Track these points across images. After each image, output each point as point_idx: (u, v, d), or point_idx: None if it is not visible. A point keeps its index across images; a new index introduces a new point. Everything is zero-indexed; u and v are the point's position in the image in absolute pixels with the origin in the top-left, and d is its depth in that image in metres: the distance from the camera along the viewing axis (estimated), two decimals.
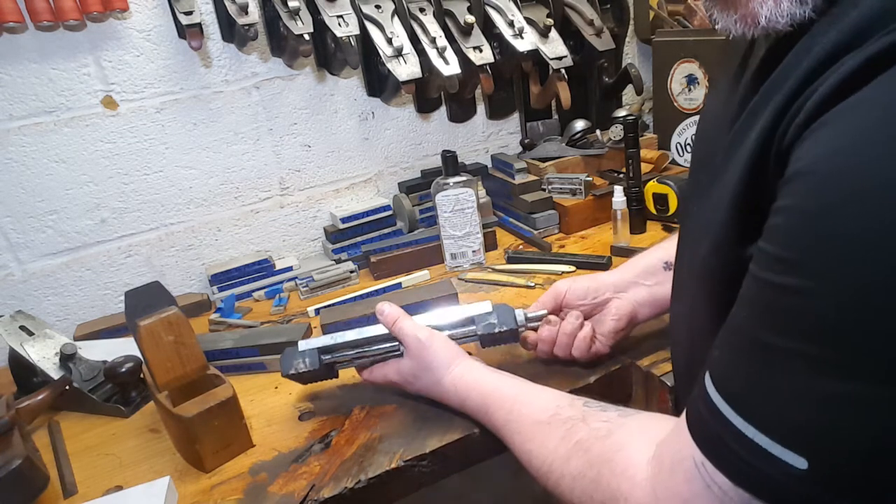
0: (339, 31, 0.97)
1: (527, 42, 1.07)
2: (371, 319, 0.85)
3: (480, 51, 1.05)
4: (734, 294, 0.36)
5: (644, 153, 1.16)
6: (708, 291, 0.43)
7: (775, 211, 0.34)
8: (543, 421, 0.52)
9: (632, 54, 1.42)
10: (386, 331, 0.69)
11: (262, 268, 1.10)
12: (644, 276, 0.71)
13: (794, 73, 0.34)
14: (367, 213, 1.14)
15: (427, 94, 1.18)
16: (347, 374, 0.78)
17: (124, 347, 0.81)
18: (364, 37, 1.03)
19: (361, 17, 1.01)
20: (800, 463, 0.31)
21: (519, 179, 1.15)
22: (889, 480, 0.30)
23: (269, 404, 0.76)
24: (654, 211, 1.08)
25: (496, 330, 0.69)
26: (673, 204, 1.05)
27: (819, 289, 0.30)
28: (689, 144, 1.26)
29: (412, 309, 0.90)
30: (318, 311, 0.97)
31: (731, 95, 0.46)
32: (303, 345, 0.70)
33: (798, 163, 0.32)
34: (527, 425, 0.53)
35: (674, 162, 1.27)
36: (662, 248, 0.73)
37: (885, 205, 0.27)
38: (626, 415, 0.48)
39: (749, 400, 0.34)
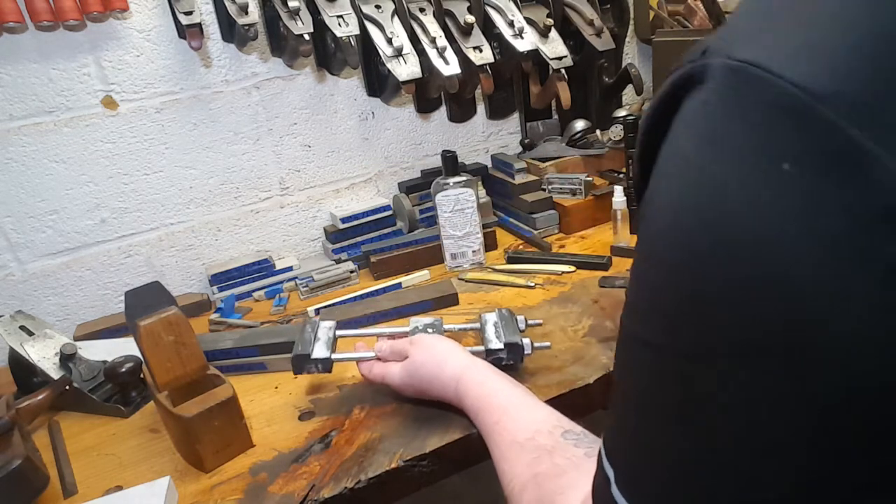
0: (339, 31, 0.97)
1: (527, 42, 1.07)
2: (374, 318, 0.88)
3: (480, 51, 1.05)
4: None
5: None
6: None
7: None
8: (519, 442, 0.51)
9: (632, 54, 1.42)
10: (394, 329, 0.72)
11: (262, 268, 1.10)
12: None
13: None
14: (367, 213, 1.14)
15: (427, 94, 1.18)
16: (347, 374, 0.79)
17: (124, 347, 0.81)
18: (364, 37, 1.03)
19: (361, 17, 1.01)
20: None
21: (519, 179, 1.15)
22: None
23: (269, 404, 0.76)
24: None
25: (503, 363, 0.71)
26: None
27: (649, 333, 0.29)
28: None
29: (413, 309, 0.90)
30: (318, 311, 0.97)
31: None
32: (316, 351, 0.71)
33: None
34: (505, 443, 0.53)
35: None
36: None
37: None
38: (591, 455, 0.45)
39: (626, 465, 0.32)
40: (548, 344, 0.73)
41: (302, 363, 0.70)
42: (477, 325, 0.76)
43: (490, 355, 0.71)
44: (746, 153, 0.24)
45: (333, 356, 0.71)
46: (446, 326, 0.76)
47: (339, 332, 0.75)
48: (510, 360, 0.71)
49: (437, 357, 0.66)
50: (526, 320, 0.75)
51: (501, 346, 0.71)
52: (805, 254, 0.22)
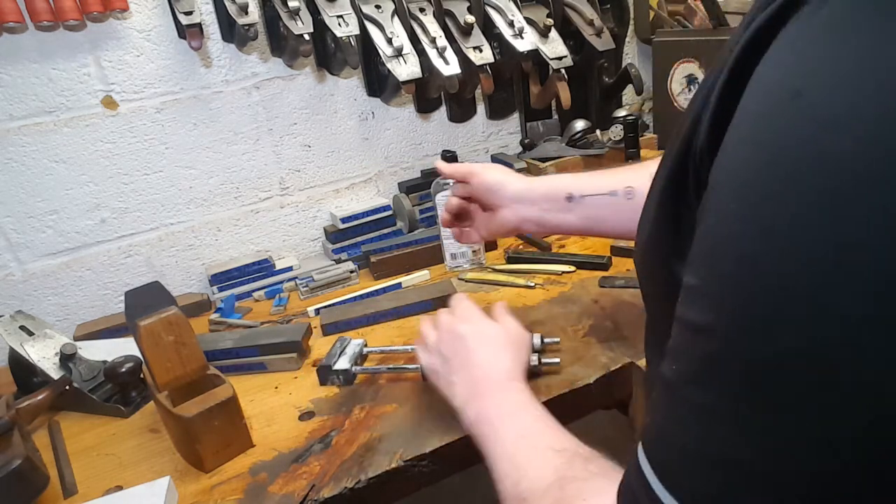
0: (339, 31, 0.97)
1: (527, 42, 1.07)
2: (374, 318, 0.89)
3: (480, 51, 1.05)
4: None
5: (644, 153, 1.16)
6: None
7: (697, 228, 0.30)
8: (556, 449, 0.47)
9: (632, 54, 1.42)
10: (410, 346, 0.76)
11: (262, 268, 1.10)
12: (543, 199, 0.71)
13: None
14: (367, 213, 1.14)
15: (427, 94, 1.18)
16: None
17: (124, 347, 0.81)
18: (364, 37, 1.03)
19: (361, 17, 1.01)
20: None
21: None
22: None
23: (269, 404, 0.76)
24: None
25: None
26: None
27: (721, 325, 0.26)
28: None
29: (412, 309, 0.89)
30: (318, 311, 0.97)
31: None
32: (339, 363, 0.76)
33: (710, 175, 0.29)
34: (541, 447, 0.49)
35: None
36: (573, 178, 0.72)
37: (781, 221, 0.24)
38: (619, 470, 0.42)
39: (676, 469, 0.29)
40: (557, 360, 0.72)
41: (325, 374, 0.76)
42: None
43: None
44: None
45: (354, 369, 0.76)
46: None
47: (367, 350, 0.79)
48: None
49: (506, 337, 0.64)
50: (542, 338, 0.74)
51: None
52: None
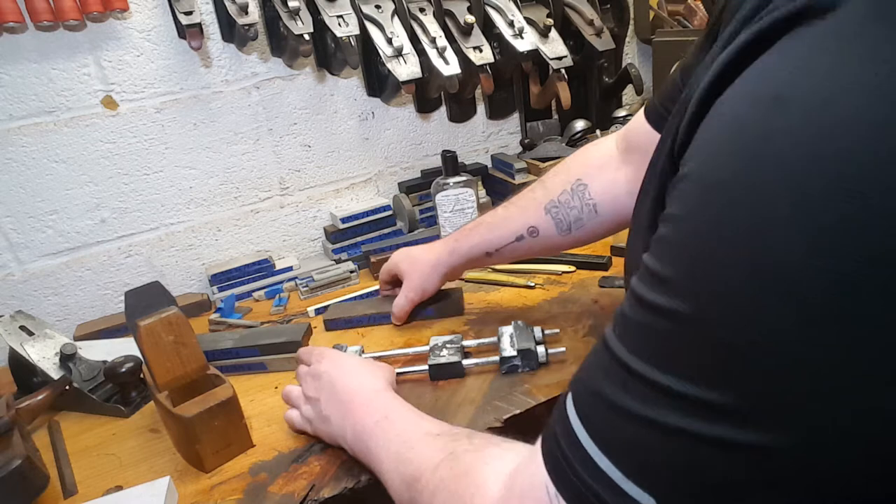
0: (339, 31, 0.97)
1: (527, 42, 1.07)
2: (374, 318, 0.90)
3: (480, 51, 1.05)
4: None
5: None
6: None
7: (660, 220, 0.30)
8: (434, 433, 0.50)
9: (632, 54, 1.42)
10: (418, 349, 0.78)
11: (262, 268, 1.10)
12: (467, 266, 0.83)
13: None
14: (367, 213, 1.14)
15: (427, 94, 1.18)
16: None
17: (124, 347, 0.81)
18: (364, 37, 1.03)
19: (361, 17, 1.01)
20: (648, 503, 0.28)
21: (519, 179, 1.15)
22: None
23: (269, 404, 0.76)
24: None
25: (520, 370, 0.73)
26: None
27: (693, 315, 0.26)
28: None
29: (417, 314, 0.89)
30: (318, 311, 0.97)
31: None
32: None
33: (681, 168, 0.29)
34: (418, 435, 0.51)
35: None
36: (480, 235, 0.79)
37: (757, 217, 0.24)
38: (509, 441, 0.44)
39: (607, 428, 0.30)
40: (563, 349, 0.73)
41: None
42: (495, 339, 0.77)
43: (504, 363, 0.72)
44: None
45: None
46: (465, 343, 0.77)
47: (364, 355, 0.78)
48: (525, 368, 0.72)
49: (363, 365, 0.67)
50: (543, 330, 0.75)
51: (515, 353, 0.72)
52: None
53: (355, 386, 0.63)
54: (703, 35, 0.48)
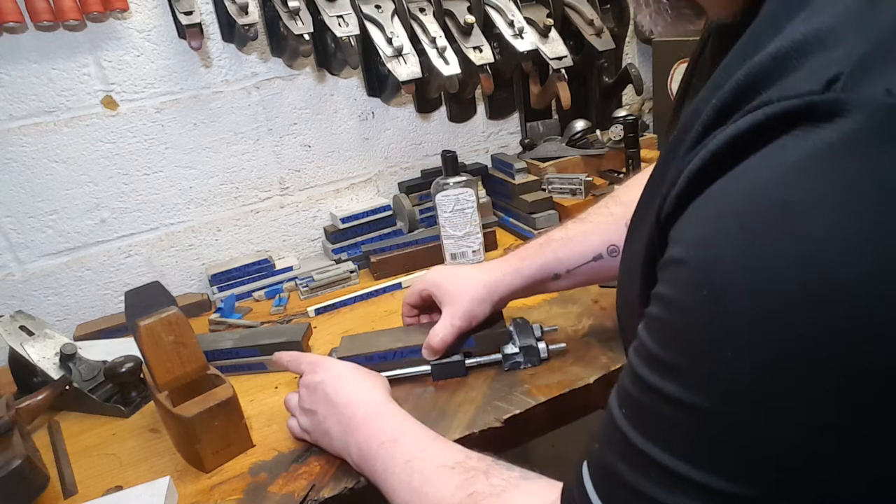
0: (339, 31, 0.97)
1: (527, 42, 1.07)
2: (401, 353, 0.75)
3: (480, 51, 1.05)
4: None
5: (644, 153, 1.16)
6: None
7: (653, 297, 0.31)
8: (448, 465, 0.48)
9: (632, 54, 1.42)
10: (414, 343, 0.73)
11: (262, 268, 1.10)
12: (529, 290, 0.71)
13: (699, 120, 0.31)
14: (367, 213, 1.14)
15: (427, 94, 1.18)
16: None
17: (124, 347, 0.81)
18: (364, 37, 1.03)
19: (361, 17, 1.01)
20: None
21: (519, 179, 1.15)
22: None
23: (269, 404, 0.76)
24: None
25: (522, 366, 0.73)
26: None
27: (710, 410, 0.27)
28: None
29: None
30: (318, 311, 0.97)
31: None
32: None
33: (674, 247, 0.30)
34: (431, 467, 0.49)
35: None
36: (554, 253, 0.69)
37: (757, 303, 0.25)
38: (528, 478, 0.44)
39: (618, 498, 0.31)
40: (563, 345, 0.74)
41: None
42: None
43: (507, 360, 0.72)
44: None
45: None
46: None
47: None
48: (527, 364, 0.73)
49: (357, 371, 0.65)
50: (542, 327, 0.76)
51: (517, 349, 0.72)
52: None
53: (355, 398, 0.60)
54: (684, 80, 0.48)
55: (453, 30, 1.06)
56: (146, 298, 0.68)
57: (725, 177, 0.28)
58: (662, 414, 0.29)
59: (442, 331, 0.69)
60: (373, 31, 1.01)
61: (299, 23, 0.94)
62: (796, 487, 0.25)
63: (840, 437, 0.24)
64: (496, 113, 1.30)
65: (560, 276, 0.69)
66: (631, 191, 0.69)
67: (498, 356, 0.73)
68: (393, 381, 0.75)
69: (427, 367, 0.73)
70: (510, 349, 0.72)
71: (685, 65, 1.23)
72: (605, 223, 0.68)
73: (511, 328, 0.75)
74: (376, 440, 0.55)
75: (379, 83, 1.14)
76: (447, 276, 0.72)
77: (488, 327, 0.73)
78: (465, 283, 0.70)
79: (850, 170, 0.23)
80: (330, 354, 0.75)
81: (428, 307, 0.78)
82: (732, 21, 0.37)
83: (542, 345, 0.73)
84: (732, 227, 0.26)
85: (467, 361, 0.73)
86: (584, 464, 0.34)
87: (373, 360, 0.73)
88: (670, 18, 0.38)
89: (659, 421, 0.29)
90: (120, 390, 0.80)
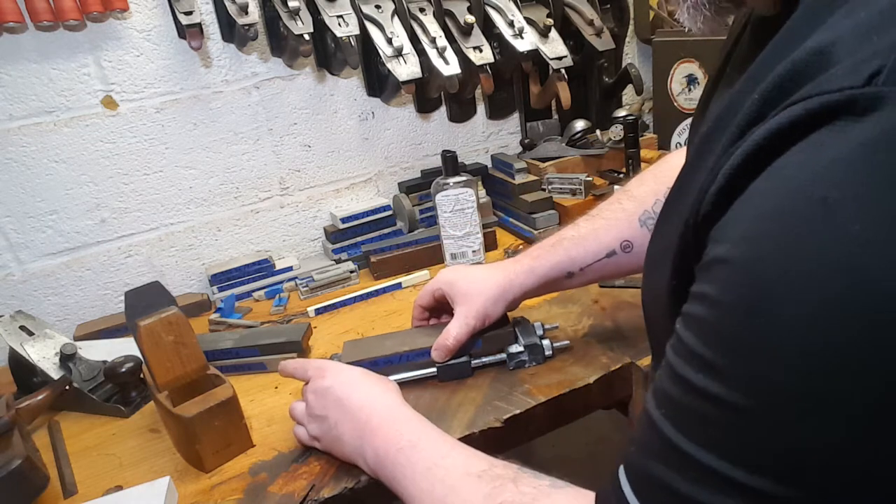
0: (339, 31, 0.97)
1: (527, 42, 1.07)
2: (407, 357, 0.75)
3: (480, 51, 1.05)
4: None
5: (644, 153, 1.16)
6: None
7: (694, 296, 0.31)
8: (474, 473, 0.46)
9: (632, 54, 1.42)
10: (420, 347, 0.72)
11: (262, 268, 1.10)
12: (543, 288, 0.71)
13: (738, 115, 0.30)
14: (367, 213, 1.14)
15: (427, 94, 1.18)
16: None
17: (124, 347, 0.81)
18: (364, 37, 1.03)
19: (361, 17, 1.01)
20: None
21: (519, 179, 1.15)
22: None
23: (269, 404, 0.76)
24: None
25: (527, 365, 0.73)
26: None
27: (759, 410, 0.27)
28: None
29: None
30: (318, 311, 0.97)
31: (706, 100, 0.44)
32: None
33: (717, 246, 0.29)
34: (456, 475, 0.47)
35: None
36: (566, 252, 0.68)
37: (805, 301, 0.24)
38: (557, 487, 0.43)
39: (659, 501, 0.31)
40: (567, 342, 0.74)
41: None
42: None
43: (512, 359, 0.72)
44: None
45: None
46: None
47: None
48: (532, 362, 0.73)
49: (367, 376, 0.63)
50: (543, 325, 0.76)
51: (521, 348, 0.72)
52: None
53: (368, 403, 0.59)
54: (714, 70, 0.47)
55: (453, 30, 1.06)
56: (146, 298, 0.68)
57: (765, 173, 0.27)
58: (704, 413, 0.29)
59: (456, 330, 0.69)
60: (373, 31, 1.01)
61: (299, 23, 0.94)
62: (836, 491, 0.25)
63: (881, 445, 0.24)
64: (496, 113, 1.30)
65: (573, 274, 0.68)
66: (643, 185, 0.69)
67: (502, 356, 0.73)
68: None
69: (432, 370, 0.73)
70: (515, 348, 0.73)
71: (685, 65, 1.24)
72: (617, 219, 0.68)
73: (513, 328, 0.75)
74: (394, 445, 0.53)
75: (379, 83, 1.14)
76: (461, 275, 0.72)
77: (494, 328, 0.73)
78: (479, 282, 0.70)
79: (891, 165, 0.23)
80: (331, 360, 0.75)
81: (438, 309, 0.78)
82: (772, 13, 0.36)
83: (546, 342, 0.73)
84: (774, 226, 0.26)
85: (472, 362, 0.73)
86: (621, 467, 0.34)
87: (378, 365, 0.72)
88: (710, 13, 0.37)
89: (700, 421, 0.29)
90: (120, 390, 0.80)
